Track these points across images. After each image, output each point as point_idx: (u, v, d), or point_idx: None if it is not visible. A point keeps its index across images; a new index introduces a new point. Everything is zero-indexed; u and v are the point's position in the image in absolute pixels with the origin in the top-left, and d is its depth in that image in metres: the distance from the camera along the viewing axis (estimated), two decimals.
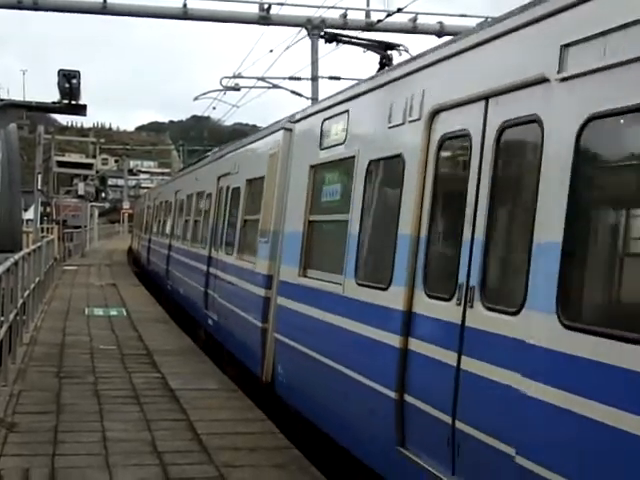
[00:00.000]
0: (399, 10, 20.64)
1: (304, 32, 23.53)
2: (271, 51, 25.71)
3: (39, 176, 36.46)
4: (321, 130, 8.89)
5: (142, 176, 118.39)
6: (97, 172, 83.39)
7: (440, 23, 23.35)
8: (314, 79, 23.20)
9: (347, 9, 23.56)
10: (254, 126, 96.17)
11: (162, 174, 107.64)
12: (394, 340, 6.33)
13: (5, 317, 11.52)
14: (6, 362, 11.22)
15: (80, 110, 23.90)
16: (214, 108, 33.94)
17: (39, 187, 36.84)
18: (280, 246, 10.12)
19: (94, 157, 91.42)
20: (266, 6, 23.43)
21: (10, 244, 22.56)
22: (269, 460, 7.94)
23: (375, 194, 7.44)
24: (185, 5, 23.58)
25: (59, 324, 17.08)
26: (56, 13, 24.84)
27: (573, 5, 4.60)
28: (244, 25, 25.17)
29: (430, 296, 6.01)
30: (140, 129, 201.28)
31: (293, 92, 24.27)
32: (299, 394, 9.05)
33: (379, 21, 22.85)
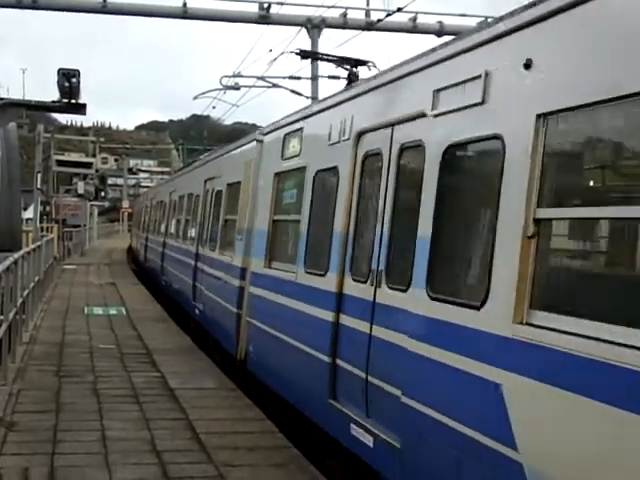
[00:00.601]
0: (399, 10, 20.65)
1: (304, 31, 23.53)
2: (271, 50, 25.70)
3: (39, 175, 36.42)
4: (283, 143, 10.51)
5: (142, 175, 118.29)
6: (97, 171, 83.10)
7: (440, 23, 23.37)
8: (314, 78, 23.20)
9: (347, 8, 23.58)
10: (254, 125, 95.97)
11: (162, 173, 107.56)
12: (329, 316, 7.98)
13: (5, 316, 11.52)
14: (6, 361, 11.23)
15: (80, 109, 23.87)
16: (214, 107, 34.14)
17: (39, 186, 36.81)
18: (252, 242, 11.67)
19: (94, 156, 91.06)
20: (266, 5, 23.44)
21: (10, 243, 22.57)
22: (268, 459, 7.96)
23: (319, 199, 9.00)
24: (185, 4, 23.59)
25: (58, 323, 17.09)
26: (56, 12, 24.87)
27: (442, 60, 6.32)
28: (244, 24, 25.16)
29: (354, 280, 7.65)
30: (140, 128, 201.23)
31: (293, 91, 24.25)
32: (264, 368, 10.57)
33: (379, 20, 22.86)
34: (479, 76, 5.65)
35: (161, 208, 27.34)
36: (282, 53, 20.03)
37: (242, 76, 26.33)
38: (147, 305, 21.52)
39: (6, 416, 9.27)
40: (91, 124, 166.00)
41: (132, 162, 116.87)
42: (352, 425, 7.24)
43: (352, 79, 11.66)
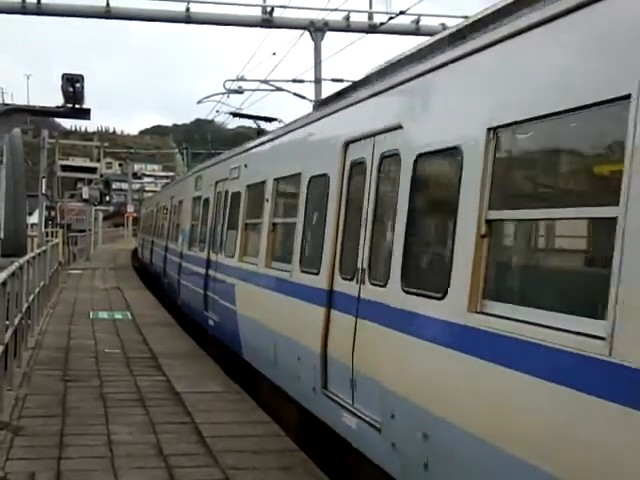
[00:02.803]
0: (402, 13, 20.66)
1: (307, 35, 23.52)
2: (274, 54, 25.74)
3: (43, 180, 36.46)
4: (195, 181, 19.71)
5: (146, 179, 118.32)
6: (101, 176, 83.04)
7: (442, 25, 23.32)
8: (317, 81, 23.22)
9: (350, 11, 23.59)
10: (258, 129, 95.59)
11: (166, 177, 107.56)
12: (203, 270, 16.09)
13: (10, 321, 11.52)
14: (11, 366, 11.24)
15: (84, 114, 23.94)
16: (217, 111, 33.97)
17: (43, 191, 36.85)
18: (185, 236, 20.34)
19: (98, 161, 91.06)
20: (269, 9, 23.45)
21: (15, 248, 22.63)
22: (274, 462, 7.96)
23: (205, 212, 17.26)
24: (188, 9, 23.59)
25: (64, 328, 17.12)
26: (59, 17, 24.86)
27: (234, 155, 15.11)
28: (247, 28, 25.15)
29: (212, 252, 15.49)
30: (144, 133, 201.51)
31: (296, 95, 24.27)
32: (184, 304, 19.19)
33: (382, 24, 22.87)
34: (238, 167, 13.83)
35: (152, 215, 35.11)
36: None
37: (245, 80, 26.34)
38: (152, 309, 21.57)
39: (12, 421, 9.28)
40: (95, 129, 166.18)
41: (136, 166, 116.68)
42: (210, 321, 14.92)
43: (260, 133, 17.55)
